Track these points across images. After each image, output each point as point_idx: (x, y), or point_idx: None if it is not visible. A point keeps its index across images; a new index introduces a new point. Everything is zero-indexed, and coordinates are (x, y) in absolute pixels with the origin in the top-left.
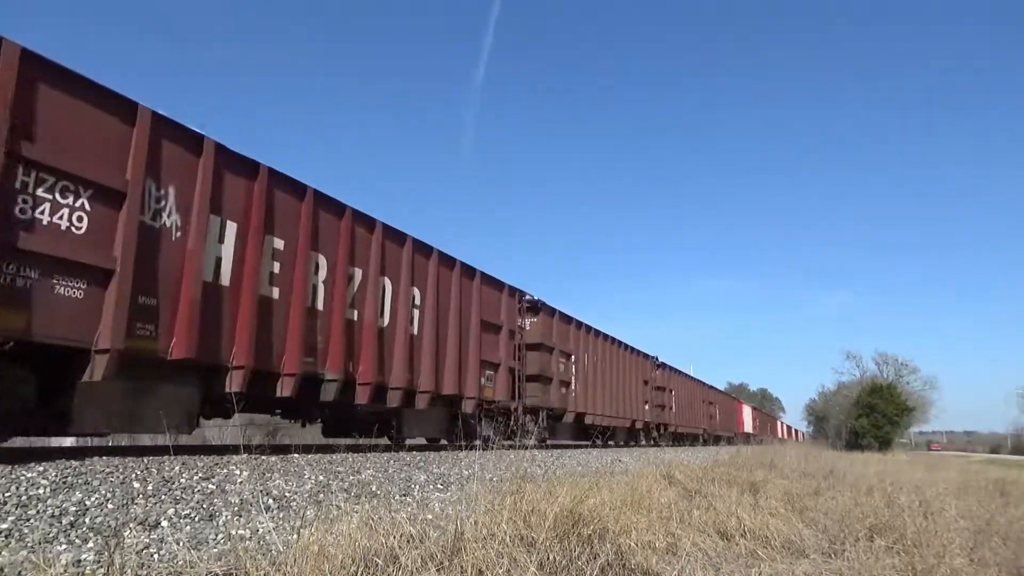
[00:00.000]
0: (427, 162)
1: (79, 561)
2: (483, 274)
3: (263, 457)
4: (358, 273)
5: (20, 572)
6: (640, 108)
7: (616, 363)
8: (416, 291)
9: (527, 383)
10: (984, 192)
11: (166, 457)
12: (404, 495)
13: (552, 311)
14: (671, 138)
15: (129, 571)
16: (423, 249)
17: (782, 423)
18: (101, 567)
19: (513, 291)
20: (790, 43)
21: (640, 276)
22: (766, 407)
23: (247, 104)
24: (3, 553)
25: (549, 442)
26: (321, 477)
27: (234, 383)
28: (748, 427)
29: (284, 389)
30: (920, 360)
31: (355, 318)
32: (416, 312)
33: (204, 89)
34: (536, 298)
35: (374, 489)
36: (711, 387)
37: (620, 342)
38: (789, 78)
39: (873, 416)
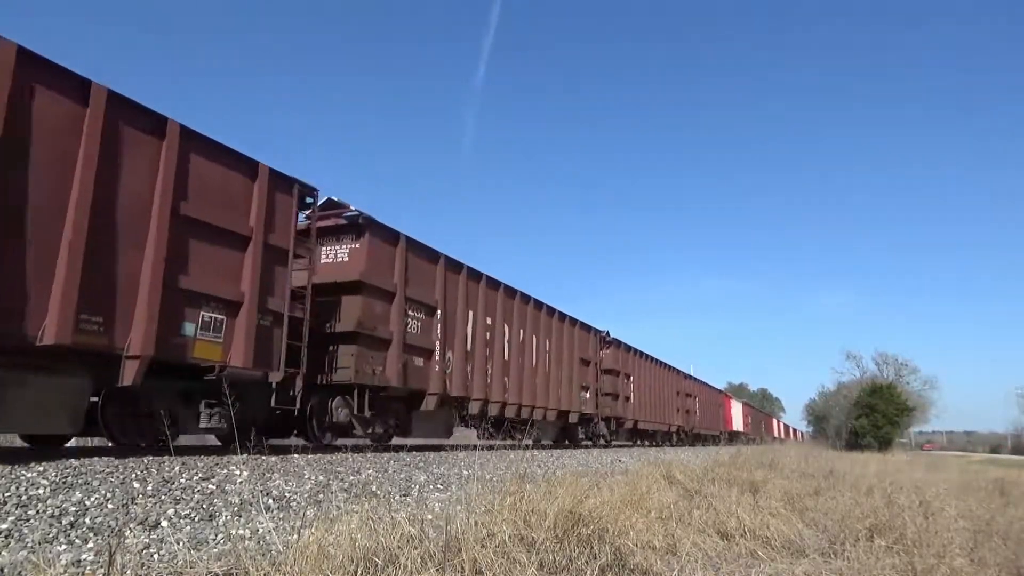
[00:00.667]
0: (428, 161)
1: (79, 561)
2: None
3: (263, 457)
4: None
5: (20, 572)
6: (641, 107)
7: (534, 331)
8: None
9: (340, 347)
10: (984, 192)
11: (166, 457)
12: (404, 495)
13: (384, 231)
14: (672, 137)
15: (129, 571)
16: None
17: (779, 422)
18: (101, 567)
19: (280, 180)
20: (792, 42)
21: (640, 276)
22: (766, 407)
23: (247, 103)
24: (3, 553)
25: (398, 441)
26: (321, 477)
27: None
28: (738, 425)
29: None
30: (920, 360)
31: None
32: None
33: (204, 88)
34: (342, 203)
35: (374, 489)
36: (688, 376)
37: (542, 303)
38: (790, 78)
39: (873, 416)
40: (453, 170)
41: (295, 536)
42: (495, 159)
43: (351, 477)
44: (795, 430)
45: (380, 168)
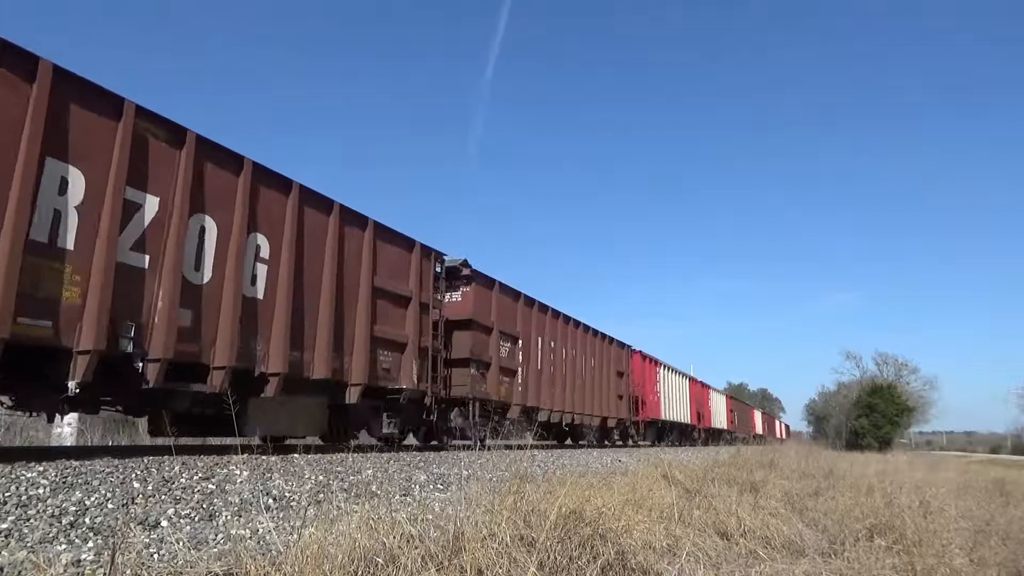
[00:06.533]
0: (432, 162)
1: (79, 561)
2: None
3: (263, 457)
4: None
5: (20, 572)
6: (643, 107)
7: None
8: None
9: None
10: (984, 193)
11: (166, 457)
12: (404, 495)
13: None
14: (673, 136)
15: (129, 571)
16: None
17: (724, 399)
18: (101, 567)
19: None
20: (795, 42)
21: (641, 276)
22: (766, 407)
23: (252, 104)
24: (3, 553)
25: None
26: (321, 477)
27: None
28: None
29: None
30: (920, 360)
31: None
32: None
33: (205, 89)
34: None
35: (374, 489)
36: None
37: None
38: (793, 77)
39: (873, 416)
40: (458, 170)
41: (295, 536)
42: (499, 159)
43: (351, 477)
44: (780, 423)
45: (385, 169)
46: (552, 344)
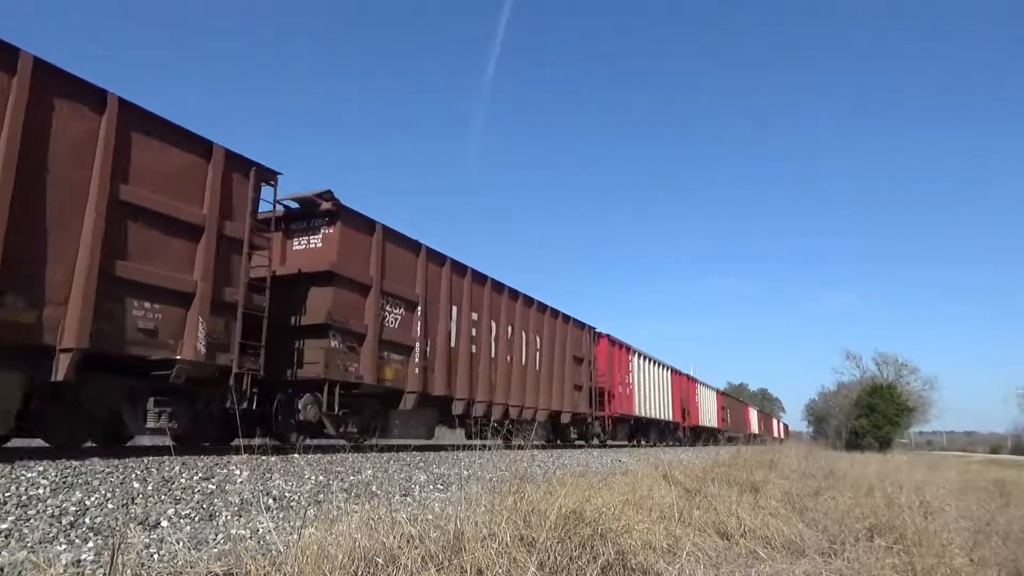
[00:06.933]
0: (432, 162)
1: (79, 561)
2: None
3: (263, 457)
4: None
5: (20, 572)
6: (645, 104)
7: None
8: None
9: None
10: (984, 193)
11: (166, 457)
12: (404, 495)
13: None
14: (673, 137)
15: (129, 571)
16: None
17: (714, 395)
18: (101, 567)
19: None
20: (800, 43)
21: (642, 276)
22: (766, 407)
23: (252, 104)
24: (3, 553)
25: None
26: (321, 477)
27: None
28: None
29: None
30: (920, 360)
31: None
32: None
33: (205, 89)
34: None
35: (374, 489)
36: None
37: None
38: (796, 78)
39: (873, 416)
40: (459, 170)
41: (295, 536)
42: (500, 160)
43: (351, 477)
44: (765, 416)
45: (387, 171)
46: (475, 316)
